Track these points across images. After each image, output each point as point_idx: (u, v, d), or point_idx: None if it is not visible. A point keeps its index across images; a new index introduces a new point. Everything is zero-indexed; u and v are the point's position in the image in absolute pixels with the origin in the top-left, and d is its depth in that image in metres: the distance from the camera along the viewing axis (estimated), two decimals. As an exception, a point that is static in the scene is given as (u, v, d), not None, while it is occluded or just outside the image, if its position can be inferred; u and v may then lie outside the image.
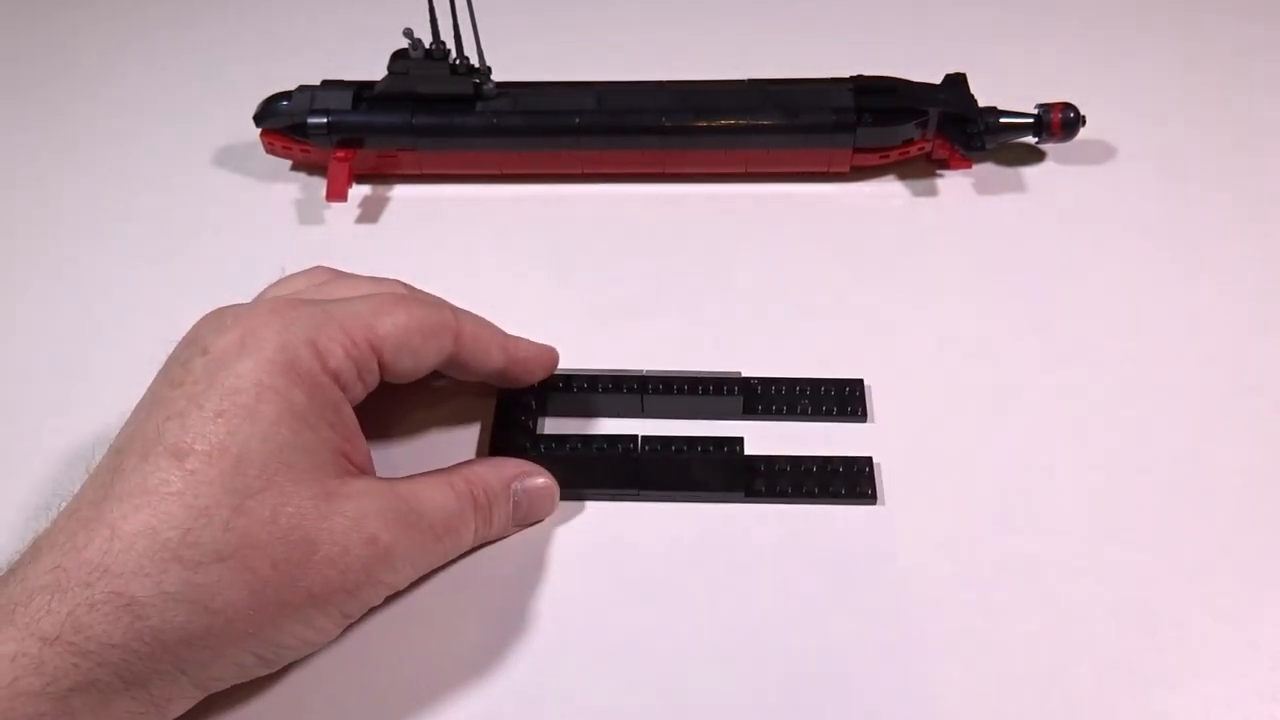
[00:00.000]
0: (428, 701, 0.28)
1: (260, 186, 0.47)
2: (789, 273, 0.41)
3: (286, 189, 0.47)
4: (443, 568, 0.31)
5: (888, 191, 0.46)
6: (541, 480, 0.32)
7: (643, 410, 0.35)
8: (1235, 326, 0.38)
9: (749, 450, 0.33)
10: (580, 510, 0.33)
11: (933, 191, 0.45)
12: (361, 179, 0.47)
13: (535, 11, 0.59)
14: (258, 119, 0.46)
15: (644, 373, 0.35)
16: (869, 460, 0.33)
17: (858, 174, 0.46)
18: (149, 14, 0.60)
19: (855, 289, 0.41)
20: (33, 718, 0.22)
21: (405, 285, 0.33)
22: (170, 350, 0.28)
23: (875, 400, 0.36)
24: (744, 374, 0.36)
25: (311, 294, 0.31)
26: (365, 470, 0.29)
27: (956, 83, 0.46)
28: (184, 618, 0.24)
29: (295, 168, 0.48)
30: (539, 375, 0.34)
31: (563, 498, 0.33)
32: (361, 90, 0.45)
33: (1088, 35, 0.55)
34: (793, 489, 0.32)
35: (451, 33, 0.43)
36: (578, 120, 0.44)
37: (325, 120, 0.44)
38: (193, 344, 0.27)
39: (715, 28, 0.57)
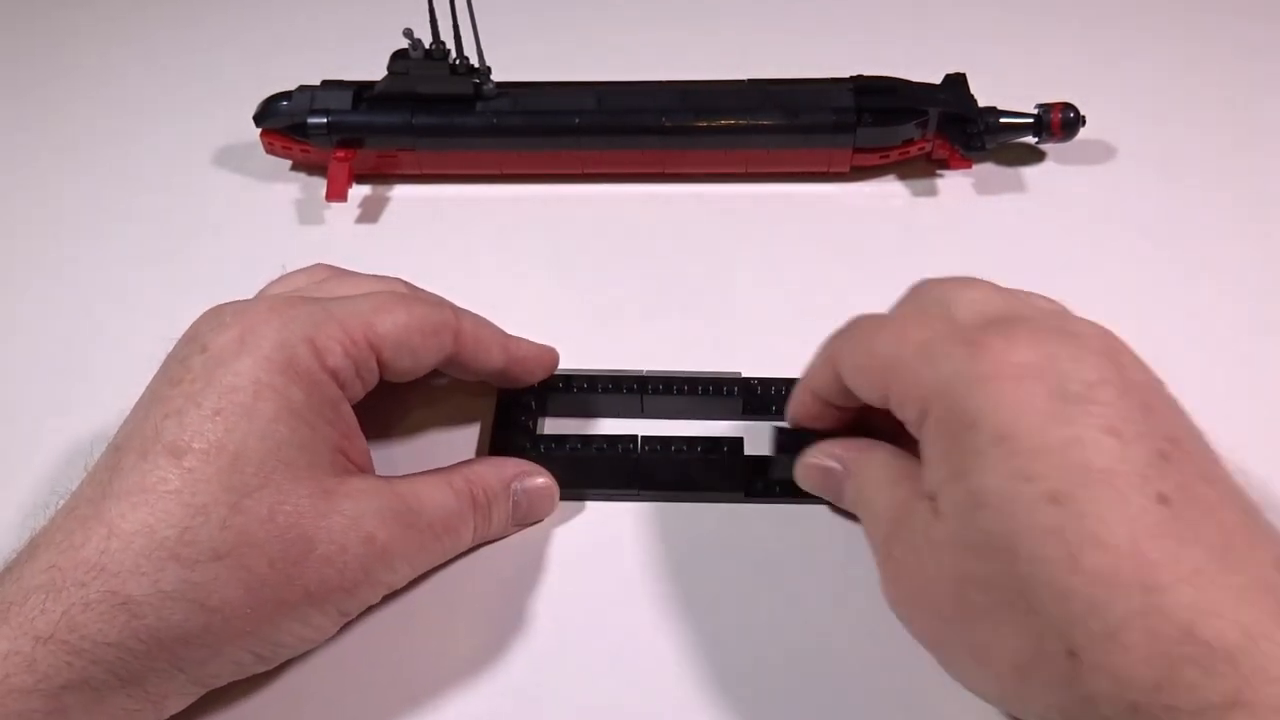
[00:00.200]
0: (426, 701, 0.28)
1: (260, 186, 0.47)
2: (789, 273, 0.41)
3: (286, 189, 0.47)
4: (441, 567, 0.31)
5: (888, 191, 0.46)
6: (541, 480, 0.32)
7: (642, 410, 0.35)
8: (1235, 326, 0.38)
9: (749, 450, 0.33)
10: (580, 510, 0.33)
11: (933, 191, 0.45)
12: (361, 179, 0.47)
13: (535, 11, 0.59)
14: (258, 119, 0.46)
15: (644, 373, 0.35)
16: (869, 460, 0.33)
17: (858, 174, 0.46)
18: (149, 14, 0.60)
19: (855, 289, 0.40)
20: (23, 714, 0.22)
21: (406, 284, 0.33)
22: (170, 349, 0.28)
23: (875, 400, 0.36)
24: (744, 374, 0.36)
25: (311, 292, 0.30)
26: (364, 468, 0.29)
27: (956, 83, 0.46)
28: (181, 616, 0.24)
29: (295, 168, 0.48)
30: (539, 375, 0.34)
31: (563, 498, 0.32)
32: (361, 90, 0.45)
33: (1088, 35, 0.55)
34: (793, 489, 0.32)
35: (451, 33, 0.43)
36: (578, 120, 0.44)
37: (325, 120, 0.44)
38: (192, 342, 0.27)
39: (715, 28, 0.57)
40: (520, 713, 0.28)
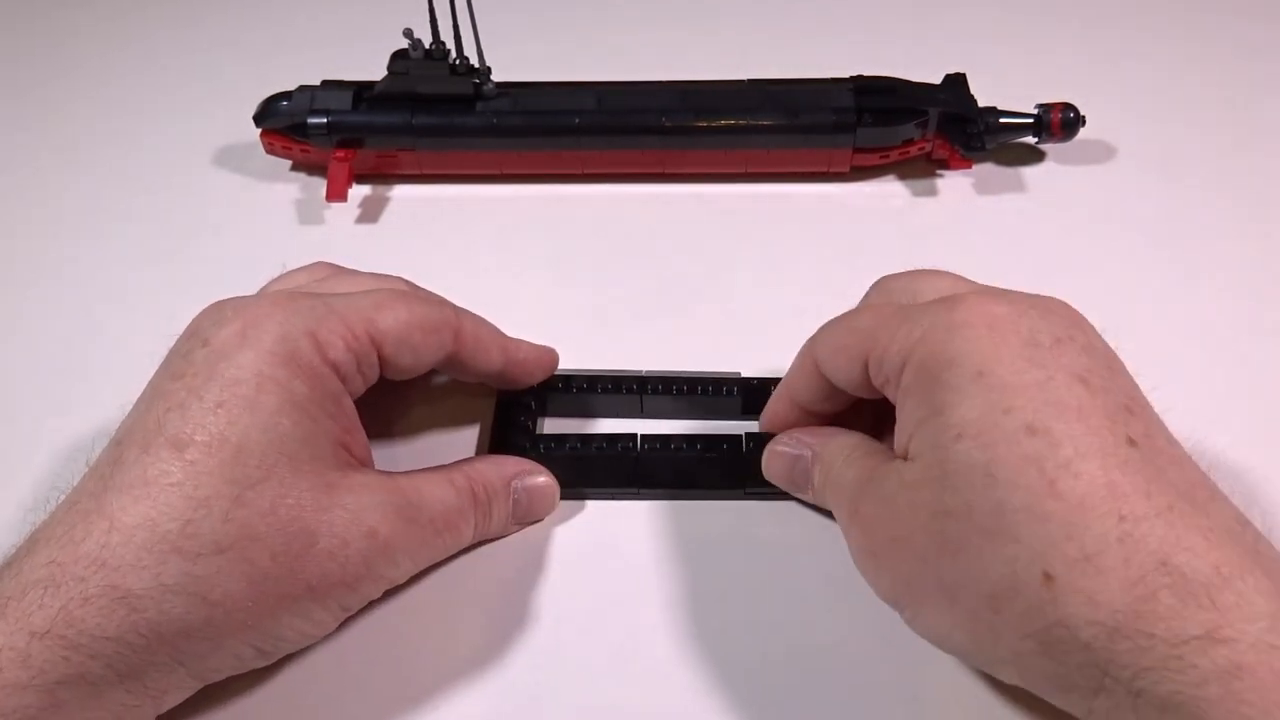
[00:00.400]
0: (425, 699, 0.28)
1: (260, 186, 0.47)
2: (789, 273, 0.41)
3: (286, 189, 0.47)
4: (442, 564, 0.31)
5: (888, 191, 0.46)
6: (542, 479, 0.32)
7: (642, 410, 0.35)
8: (1235, 326, 0.38)
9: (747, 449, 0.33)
10: (580, 510, 0.33)
11: (933, 191, 0.45)
12: (361, 179, 0.47)
13: (535, 11, 0.59)
14: (258, 119, 0.46)
15: (644, 373, 0.35)
16: (869, 459, 0.33)
17: (858, 174, 0.46)
18: (149, 14, 0.60)
19: (855, 289, 0.40)
20: (18, 710, 0.22)
21: (407, 282, 0.33)
22: (172, 345, 0.28)
23: (875, 399, 0.36)
24: (744, 374, 0.36)
25: (312, 289, 0.30)
26: (365, 463, 0.29)
27: (956, 83, 0.46)
28: (182, 609, 0.24)
29: (295, 168, 0.48)
30: (538, 377, 0.34)
31: (563, 497, 0.32)
32: (361, 90, 0.45)
33: (1088, 35, 0.55)
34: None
35: (451, 33, 0.43)
36: (578, 120, 0.44)
37: (325, 120, 0.44)
38: (193, 336, 0.27)
39: (715, 28, 0.57)
40: (520, 712, 0.28)
